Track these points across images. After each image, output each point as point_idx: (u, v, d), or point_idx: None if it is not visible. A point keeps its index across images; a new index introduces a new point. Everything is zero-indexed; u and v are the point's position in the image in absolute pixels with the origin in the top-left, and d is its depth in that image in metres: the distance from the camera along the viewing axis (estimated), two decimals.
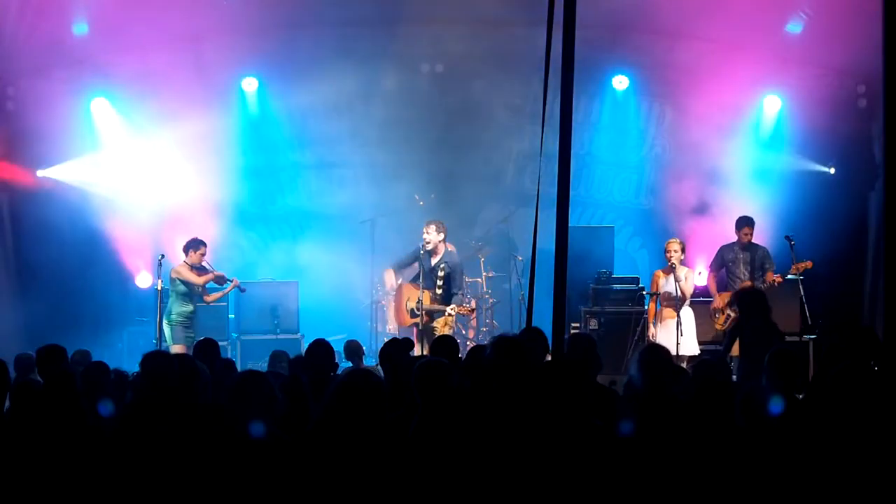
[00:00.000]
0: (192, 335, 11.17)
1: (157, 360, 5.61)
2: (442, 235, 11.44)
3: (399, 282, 11.94)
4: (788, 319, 11.44)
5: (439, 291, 11.27)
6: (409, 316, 11.52)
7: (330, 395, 4.76)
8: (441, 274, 11.29)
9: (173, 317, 11.33)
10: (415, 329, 11.33)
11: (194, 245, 11.53)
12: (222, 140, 13.69)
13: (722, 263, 11.76)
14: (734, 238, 11.74)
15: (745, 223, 11.72)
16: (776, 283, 11.38)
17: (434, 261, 11.40)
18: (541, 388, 4.74)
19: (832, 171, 13.67)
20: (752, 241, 11.72)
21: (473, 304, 11.89)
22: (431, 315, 11.29)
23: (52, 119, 13.02)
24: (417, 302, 11.31)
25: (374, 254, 13.12)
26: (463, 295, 11.61)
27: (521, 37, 12.28)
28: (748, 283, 11.44)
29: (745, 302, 9.54)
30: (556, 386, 4.76)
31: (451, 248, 11.66)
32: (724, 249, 11.79)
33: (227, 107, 13.86)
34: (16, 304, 12.90)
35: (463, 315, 11.39)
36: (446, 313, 11.13)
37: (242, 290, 12.12)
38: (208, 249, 11.63)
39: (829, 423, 3.99)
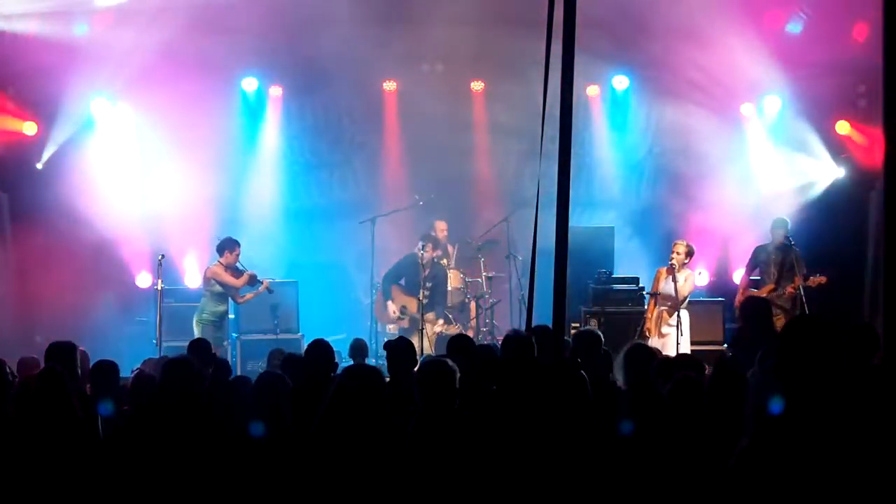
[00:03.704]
0: (221, 335, 11.20)
1: (182, 369, 5.60)
2: (438, 250, 12.64)
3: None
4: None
5: (425, 301, 12.29)
6: (391, 316, 12.67)
7: (332, 391, 4.78)
8: (429, 285, 12.36)
9: (205, 316, 11.39)
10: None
11: (230, 245, 11.55)
12: (222, 140, 13.69)
13: (755, 264, 11.83)
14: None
15: (780, 225, 11.80)
16: (812, 285, 11.41)
17: (425, 273, 12.32)
18: (543, 388, 4.74)
19: (839, 172, 13.62)
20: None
21: (458, 328, 12.64)
22: (413, 321, 12.38)
23: (53, 118, 13.04)
24: (402, 308, 12.58)
25: (374, 254, 13.14)
26: (446, 310, 12.73)
27: (521, 37, 12.27)
28: (770, 287, 11.58)
29: (748, 311, 9.35)
30: (557, 385, 4.77)
31: (443, 260, 12.87)
32: (759, 250, 11.88)
33: (227, 107, 13.86)
34: (15, 304, 12.90)
35: (446, 333, 12.23)
36: (429, 327, 12.27)
37: (271, 292, 12.03)
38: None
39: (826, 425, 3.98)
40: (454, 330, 12.13)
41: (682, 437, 4.93)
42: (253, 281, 11.71)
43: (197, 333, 11.26)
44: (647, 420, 5.14)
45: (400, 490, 4.61)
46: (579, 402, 4.79)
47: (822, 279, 11.47)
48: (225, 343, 12.07)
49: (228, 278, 11.43)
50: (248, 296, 11.89)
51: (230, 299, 11.72)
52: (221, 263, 11.50)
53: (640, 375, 5.67)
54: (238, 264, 11.63)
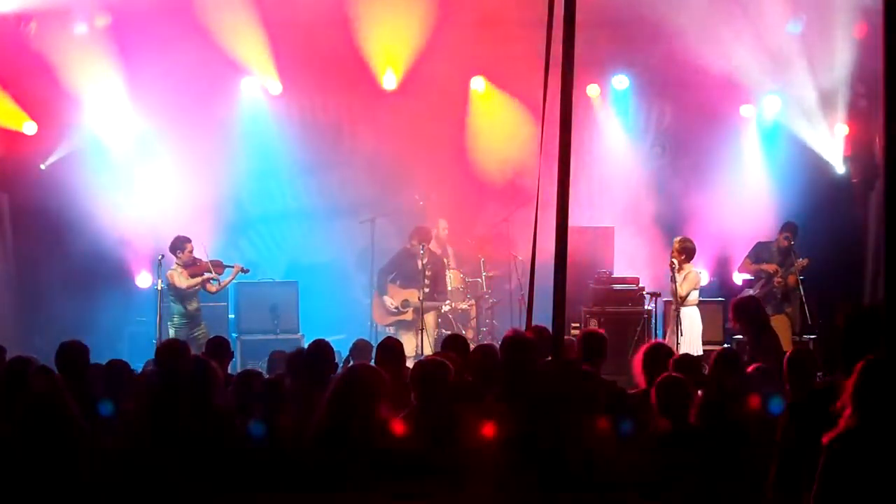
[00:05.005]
0: (199, 332, 11.20)
1: (171, 354, 5.63)
2: (429, 238, 12.58)
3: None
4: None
5: (426, 290, 12.23)
6: (388, 315, 12.55)
7: (332, 389, 4.80)
8: (429, 274, 12.28)
9: (175, 319, 11.43)
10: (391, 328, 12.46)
11: (179, 245, 11.61)
12: (222, 140, 13.69)
13: (756, 259, 11.91)
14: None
15: (786, 228, 11.87)
16: (790, 282, 11.50)
17: (422, 263, 12.30)
18: (542, 387, 4.76)
19: (839, 171, 13.62)
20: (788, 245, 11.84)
21: (472, 303, 12.90)
22: (418, 312, 12.25)
23: (53, 118, 13.04)
24: (404, 302, 12.42)
25: (374, 254, 13.15)
26: (445, 294, 12.73)
27: (521, 37, 12.28)
28: (775, 266, 11.77)
29: (740, 312, 9.22)
30: (557, 385, 4.77)
31: (434, 247, 12.79)
32: (761, 247, 11.97)
33: (227, 107, 13.86)
34: (15, 303, 12.90)
35: (459, 311, 12.59)
36: (441, 309, 12.46)
37: (246, 271, 12.06)
38: (195, 243, 11.70)
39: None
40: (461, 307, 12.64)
41: (670, 436, 4.95)
42: (219, 267, 11.72)
43: (171, 335, 11.28)
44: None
45: (393, 486, 4.63)
46: (585, 401, 4.80)
47: (805, 261, 11.60)
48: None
49: (178, 281, 11.42)
50: (214, 288, 11.85)
51: (198, 296, 11.66)
52: (178, 264, 11.53)
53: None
54: (196, 255, 11.66)
